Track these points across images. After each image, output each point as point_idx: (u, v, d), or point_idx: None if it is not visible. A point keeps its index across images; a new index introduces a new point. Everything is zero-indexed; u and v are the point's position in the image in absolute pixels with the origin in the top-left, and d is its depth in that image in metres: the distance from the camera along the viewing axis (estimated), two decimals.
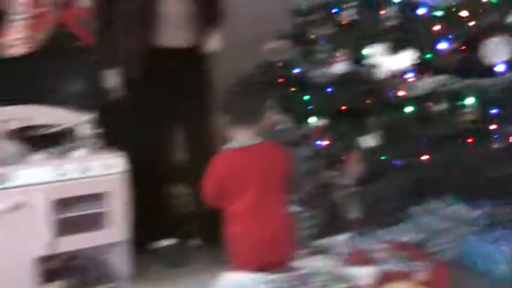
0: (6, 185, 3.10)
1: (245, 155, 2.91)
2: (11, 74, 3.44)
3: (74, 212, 3.23)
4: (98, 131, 3.41)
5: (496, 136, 3.29)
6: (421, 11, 3.45)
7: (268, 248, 2.85)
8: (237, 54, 3.80)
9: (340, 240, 3.32)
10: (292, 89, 3.81)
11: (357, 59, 3.57)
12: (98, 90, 3.56)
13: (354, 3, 3.68)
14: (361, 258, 3.03)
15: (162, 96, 3.55)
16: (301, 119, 3.71)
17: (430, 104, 3.30)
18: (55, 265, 3.27)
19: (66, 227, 3.20)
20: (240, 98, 2.92)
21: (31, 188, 3.14)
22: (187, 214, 3.85)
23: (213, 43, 3.69)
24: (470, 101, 3.24)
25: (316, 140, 3.64)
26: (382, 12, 3.52)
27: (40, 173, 3.16)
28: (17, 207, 3.11)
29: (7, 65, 3.48)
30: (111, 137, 3.39)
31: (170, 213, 3.76)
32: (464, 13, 3.39)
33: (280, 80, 3.85)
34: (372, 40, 3.48)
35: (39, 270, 3.19)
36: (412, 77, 3.38)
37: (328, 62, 3.66)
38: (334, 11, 3.77)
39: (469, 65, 3.34)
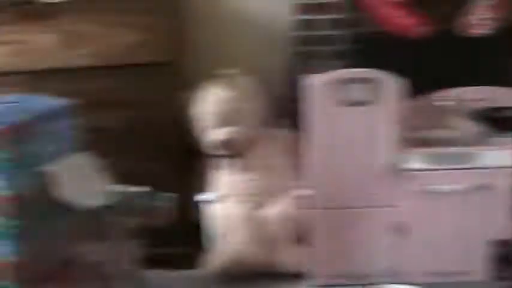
0: (470, 165, 3.11)
1: None
2: (474, 54, 3.43)
3: None
4: None
5: None
6: None
7: None
8: None
9: None
10: None
11: None
12: None
13: None
14: None
15: None
16: None
17: None
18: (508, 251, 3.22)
19: None
20: None
21: (494, 171, 3.10)
22: None
23: None
24: None
25: None
26: None
27: (504, 155, 3.11)
28: (479, 188, 3.11)
29: (471, 44, 3.46)
30: None
31: None
32: None
33: None
34: None
35: (493, 254, 3.16)
36: None
37: None
38: None
39: None
